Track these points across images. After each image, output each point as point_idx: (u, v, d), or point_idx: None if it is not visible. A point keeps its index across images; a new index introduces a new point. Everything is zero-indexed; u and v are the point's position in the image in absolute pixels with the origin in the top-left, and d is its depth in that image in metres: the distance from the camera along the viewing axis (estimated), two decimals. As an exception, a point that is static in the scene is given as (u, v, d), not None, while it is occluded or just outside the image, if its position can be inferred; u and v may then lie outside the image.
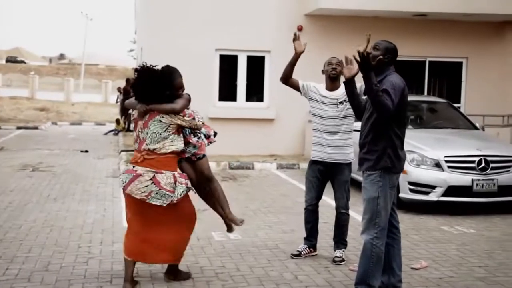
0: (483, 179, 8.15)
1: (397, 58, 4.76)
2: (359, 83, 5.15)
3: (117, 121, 21.17)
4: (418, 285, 5.28)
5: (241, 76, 14.20)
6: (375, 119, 4.61)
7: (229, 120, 13.78)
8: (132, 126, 5.18)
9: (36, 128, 22.34)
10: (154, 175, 4.84)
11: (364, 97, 4.94)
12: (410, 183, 8.25)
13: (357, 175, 7.78)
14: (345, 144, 5.88)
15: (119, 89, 24.20)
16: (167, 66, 5.10)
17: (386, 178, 4.63)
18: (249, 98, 14.29)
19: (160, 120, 4.89)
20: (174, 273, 5.20)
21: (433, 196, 8.20)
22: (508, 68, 14.98)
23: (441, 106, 10.94)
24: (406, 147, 4.85)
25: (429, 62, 14.93)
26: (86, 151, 15.01)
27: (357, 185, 7.36)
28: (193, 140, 5.14)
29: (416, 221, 7.77)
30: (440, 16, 14.12)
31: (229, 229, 5.60)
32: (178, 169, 5.04)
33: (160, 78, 4.93)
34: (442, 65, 15.01)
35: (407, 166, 6.98)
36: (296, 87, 6.00)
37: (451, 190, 8.14)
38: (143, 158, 4.90)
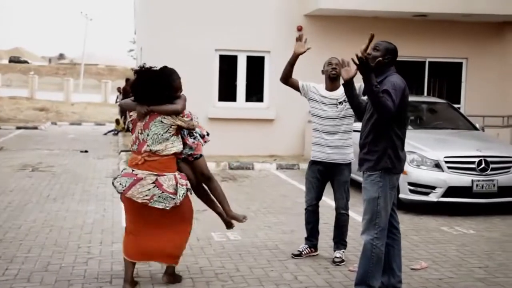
0: (483, 180, 8.14)
1: (397, 59, 4.76)
2: (359, 83, 5.15)
3: (117, 121, 21.16)
4: (418, 285, 5.27)
5: (241, 76, 14.19)
6: (375, 119, 4.61)
7: (229, 120, 13.79)
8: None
9: (35, 128, 22.34)
10: (157, 178, 4.81)
11: (364, 97, 4.94)
12: (410, 183, 8.25)
13: (357, 175, 7.78)
14: (345, 145, 5.87)
15: (118, 89, 24.22)
16: (166, 67, 5.09)
17: (386, 178, 4.62)
18: (248, 98, 14.28)
19: (161, 121, 4.88)
20: (171, 275, 5.17)
21: (433, 197, 8.20)
22: (508, 69, 14.98)
23: (441, 107, 10.93)
24: (406, 147, 4.84)
25: (429, 62, 14.93)
26: (86, 151, 15.01)
27: (357, 185, 7.36)
28: (189, 141, 5.12)
29: (416, 222, 7.77)
30: (440, 17, 14.13)
31: (228, 226, 5.60)
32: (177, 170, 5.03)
33: (160, 79, 4.92)
34: (442, 65, 15.01)
35: (407, 167, 6.98)
36: (296, 87, 6.00)
37: (451, 190, 8.14)
38: (144, 160, 4.86)
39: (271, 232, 7.07)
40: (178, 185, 4.85)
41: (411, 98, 5.09)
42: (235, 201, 8.38)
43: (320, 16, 13.96)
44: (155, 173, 4.82)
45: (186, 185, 4.94)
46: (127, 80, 20.82)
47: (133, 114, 5.01)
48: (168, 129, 4.89)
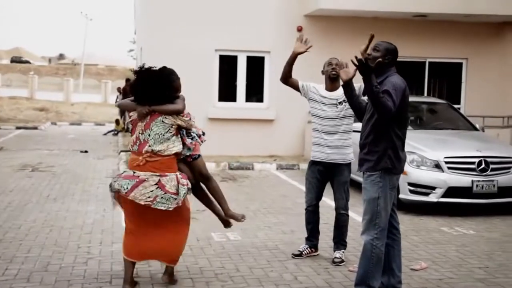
0: (483, 180, 8.14)
1: (397, 59, 4.76)
2: (359, 83, 5.15)
3: (117, 122, 21.18)
4: (417, 286, 5.27)
5: (241, 77, 14.19)
6: (376, 120, 4.61)
7: (228, 120, 13.78)
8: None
9: (35, 128, 22.35)
10: (159, 179, 4.80)
11: (364, 98, 4.94)
12: (410, 184, 8.24)
13: (356, 175, 7.78)
14: (344, 145, 5.87)
15: (118, 89, 24.21)
16: (165, 67, 5.09)
17: (386, 179, 4.62)
18: (248, 98, 14.29)
19: (163, 121, 4.87)
20: (171, 275, 5.17)
21: (433, 197, 8.20)
22: (508, 69, 14.98)
23: (441, 107, 10.93)
24: (406, 148, 4.84)
25: (429, 63, 14.93)
26: (86, 151, 15.01)
27: (357, 185, 7.36)
28: (188, 141, 5.11)
29: (416, 222, 7.76)
30: (440, 17, 14.13)
31: (226, 225, 5.60)
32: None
33: (160, 79, 4.92)
34: (442, 66, 15.02)
35: (407, 167, 6.97)
36: (295, 87, 6.00)
37: (451, 191, 8.13)
38: (145, 161, 4.84)
39: (271, 232, 7.07)
40: (180, 185, 4.85)
41: (411, 99, 5.09)
42: (235, 201, 8.39)
43: (320, 16, 13.96)
44: (158, 174, 4.81)
45: (187, 184, 4.94)
46: (127, 80, 20.83)
47: (133, 115, 4.99)
48: (169, 129, 4.89)
